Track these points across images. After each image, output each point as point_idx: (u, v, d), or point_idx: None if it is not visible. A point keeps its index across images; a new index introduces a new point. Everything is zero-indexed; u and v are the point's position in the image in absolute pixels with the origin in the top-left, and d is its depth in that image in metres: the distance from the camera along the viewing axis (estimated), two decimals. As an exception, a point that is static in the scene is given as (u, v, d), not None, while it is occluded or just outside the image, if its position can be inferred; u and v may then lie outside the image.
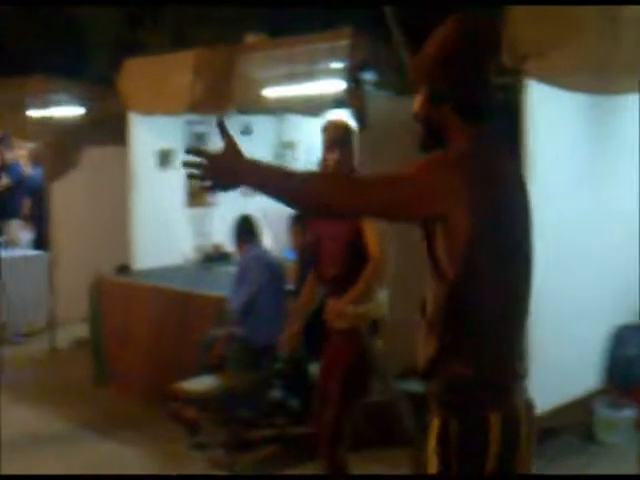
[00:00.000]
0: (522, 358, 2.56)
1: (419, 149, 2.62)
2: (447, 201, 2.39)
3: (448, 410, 2.51)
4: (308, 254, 4.87)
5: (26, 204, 10.91)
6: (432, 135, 2.59)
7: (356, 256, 4.30)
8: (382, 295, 4.41)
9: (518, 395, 2.52)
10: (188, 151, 2.42)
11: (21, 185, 10.78)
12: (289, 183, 2.45)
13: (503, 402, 2.49)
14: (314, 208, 2.62)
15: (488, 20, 2.61)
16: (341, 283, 4.31)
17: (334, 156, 4.38)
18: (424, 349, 2.55)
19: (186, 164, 2.40)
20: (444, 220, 2.41)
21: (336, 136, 4.42)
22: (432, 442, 2.53)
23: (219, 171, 2.39)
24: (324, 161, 4.49)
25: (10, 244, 10.16)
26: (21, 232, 10.98)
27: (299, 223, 6.16)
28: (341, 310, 4.24)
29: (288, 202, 2.50)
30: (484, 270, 2.44)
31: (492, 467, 2.45)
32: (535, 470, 4.95)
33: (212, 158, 2.40)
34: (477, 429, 2.46)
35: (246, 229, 6.20)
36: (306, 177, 2.54)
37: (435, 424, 2.53)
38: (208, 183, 2.41)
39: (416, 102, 2.60)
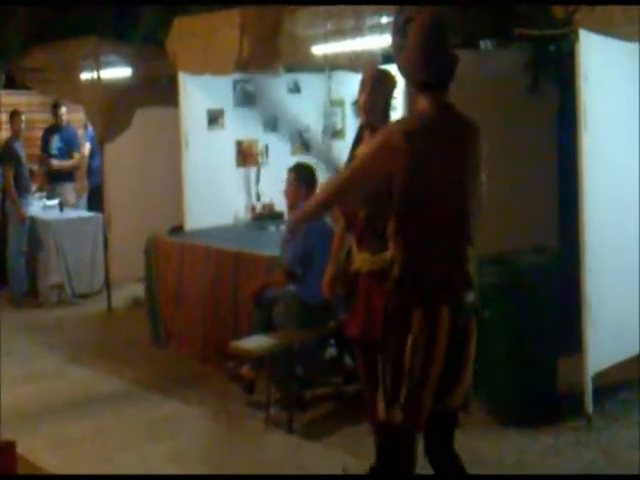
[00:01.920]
0: (452, 271, 3.41)
1: None
2: (392, 166, 3.33)
3: (388, 301, 3.44)
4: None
5: (82, 167, 11.07)
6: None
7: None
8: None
9: (443, 299, 3.36)
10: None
11: (74, 148, 10.91)
12: (309, 208, 3.79)
13: (425, 303, 3.36)
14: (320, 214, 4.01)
15: (436, 19, 3.43)
16: (371, 226, 4.21)
17: (363, 97, 4.45)
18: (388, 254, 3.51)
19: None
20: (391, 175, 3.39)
21: (365, 77, 4.51)
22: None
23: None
24: (358, 105, 4.56)
25: (66, 206, 10.30)
26: (76, 194, 11.14)
27: None
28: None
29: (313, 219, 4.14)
30: (415, 203, 3.36)
31: (411, 350, 3.34)
32: (597, 428, 4.97)
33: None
34: (404, 318, 3.37)
35: (307, 180, 6.12)
36: (313, 200, 3.86)
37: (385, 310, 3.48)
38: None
39: None
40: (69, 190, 10.91)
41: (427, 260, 3.40)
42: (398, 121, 3.58)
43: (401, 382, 3.39)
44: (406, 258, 3.39)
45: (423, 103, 3.44)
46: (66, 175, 10.89)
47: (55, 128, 10.87)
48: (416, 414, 3.40)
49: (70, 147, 10.85)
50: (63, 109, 10.76)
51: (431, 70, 3.42)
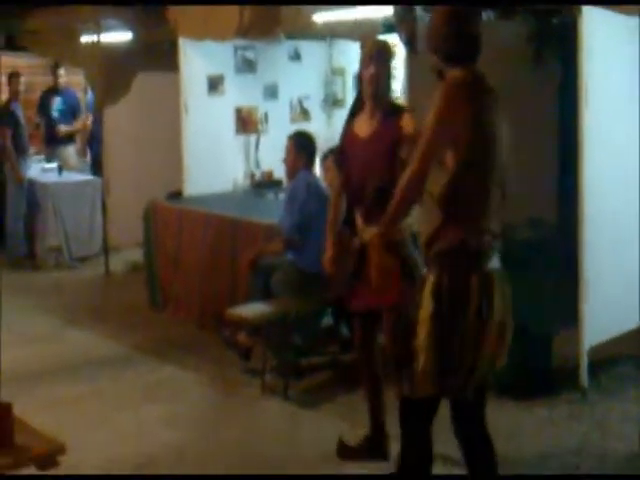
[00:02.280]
0: (497, 233, 3.49)
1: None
2: (461, 121, 3.33)
3: (442, 270, 3.41)
4: (338, 160, 4.75)
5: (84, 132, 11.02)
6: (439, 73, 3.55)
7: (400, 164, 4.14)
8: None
9: (493, 261, 3.46)
10: None
11: (76, 110, 10.86)
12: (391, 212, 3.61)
13: (481, 267, 3.41)
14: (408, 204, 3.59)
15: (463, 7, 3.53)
16: (381, 199, 4.05)
17: (370, 71, 4.38)
18: (429, 223, 3.44)
19: None
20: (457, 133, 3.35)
21: (372, 51, 4.44)
22: (427, 293, 3.41)
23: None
24: (361, 77, 4.48)
25: (67, 169, 10.29)
26: (78, 157, 11.10)
27: (331, 158, 6.14)
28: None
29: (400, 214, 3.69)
30: (473, 165, 3.36)
31: (473, 311, 3.37)
32: (591, 402, 4.99)
33: None
34: (462, 285, 3.38)
35: (306, 149, 6.11)
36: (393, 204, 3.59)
37: (430, 279, 3.42)
38: None
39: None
40: (71, 153, 10.87)
41: (479, 225, 3.43)
42: (449, 82, 3.49)
43: (454, 351, 3.40)
44: (460, 224, 3.39)
45: (455, 74, 3.47)
46: (67, 138, 10.85)
47: (55, 90, 10.79)
48: (469, 380, 3.45)
49: (73, 110, 10.79)
50: (62, 70, 10.70)
51: (461, 42, 3.48)
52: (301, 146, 6.11)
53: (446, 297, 3.39)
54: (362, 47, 4.61)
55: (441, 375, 3.43)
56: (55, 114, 10.68)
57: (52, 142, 10.81)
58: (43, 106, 10.80)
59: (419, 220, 3.55)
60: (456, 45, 3.48)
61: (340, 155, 4.69)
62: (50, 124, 10.72)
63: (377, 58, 4.41)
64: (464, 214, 3.40)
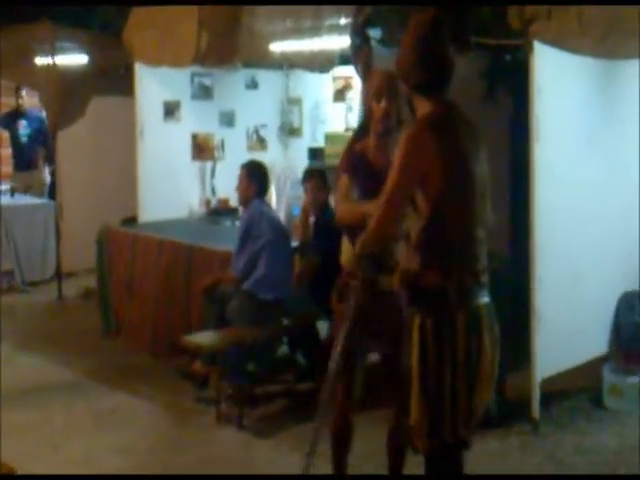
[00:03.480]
0: (482, 271, 3.38)
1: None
2: (426, 168, 3.23)
3: (425, 311, 3.30)
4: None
5: (41, 152, 10.93)
6: (411, 105, 3.49)
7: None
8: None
9: (479, 298, 3.35)
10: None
11: (41, 133, 10.79)
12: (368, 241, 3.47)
13: (466, 303, 3.29)
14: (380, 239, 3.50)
15: (433, 19, 3.39)
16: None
17: (382, 106, 4.04)
18: (406, 265, 3.37)
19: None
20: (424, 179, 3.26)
21: (382, 85, 4.07)
22: (414, 340, 3.30)
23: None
24: (370, 112, 4.11)
25: (31, 192, 10.20)
26: (43, 180, 11.00)
27: (314, 178, 6.17)
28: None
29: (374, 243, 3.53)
30: (449, 207, 3.27)
31: (462, 353, 3.26)
32: (543, 434, 4.99)
33: None
34: (447, 325, 3.26)
35: (258, 178, 6.17)
36: (368, 235, 3.47)
37: (415, 324, 3.31)
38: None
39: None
40: (36, 176, 10.80)
41: (459, 267, 3.30)
42: (416, 123, 3.40)
43: (445, 399, 3.28)
44: (438, 268, 3.28)
45: (426, 106, 3.39)
46: (33, 160, 10.77)
47: (19, 113, 10.69)
48: (473, 422, 3.38)
49: (40, 132, 10.71)
50: (23, 92, 10.63)
51: (430, 71, 3.37)
52: (253, 175, 6.16)
53: (432, 340, 3.27)
54: (367, 79, 4.30)
55: (436, 426, 3.31)
56: (24, 139, 10.58)
57: (21, 167, 10.72)
58: (8, 128, 10.70)
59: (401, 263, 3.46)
60: (424, 74, 3.37)
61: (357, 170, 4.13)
62: (19, 150, 10.62)
63: (389, 92, 4.04)
64: (442, 258, 3.30)
